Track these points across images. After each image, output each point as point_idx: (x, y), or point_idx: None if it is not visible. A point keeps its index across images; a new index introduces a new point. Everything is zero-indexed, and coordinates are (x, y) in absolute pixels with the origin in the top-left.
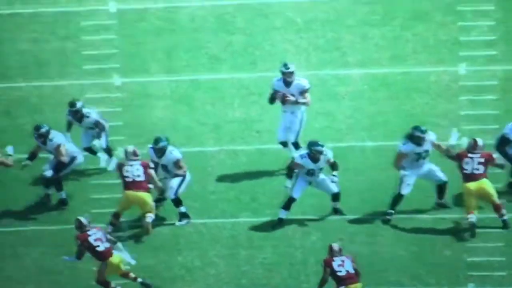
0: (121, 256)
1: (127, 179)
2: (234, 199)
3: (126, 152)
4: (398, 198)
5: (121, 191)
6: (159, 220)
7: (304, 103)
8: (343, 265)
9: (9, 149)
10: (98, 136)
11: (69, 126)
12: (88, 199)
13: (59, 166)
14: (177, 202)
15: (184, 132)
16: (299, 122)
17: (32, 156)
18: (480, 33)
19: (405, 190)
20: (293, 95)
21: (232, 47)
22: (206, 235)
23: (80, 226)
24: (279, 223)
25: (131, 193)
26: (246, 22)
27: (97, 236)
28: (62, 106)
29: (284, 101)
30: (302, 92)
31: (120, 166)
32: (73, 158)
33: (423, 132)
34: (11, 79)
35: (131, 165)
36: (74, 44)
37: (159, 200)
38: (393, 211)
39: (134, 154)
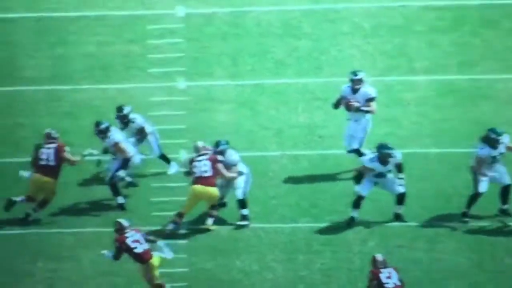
0: (161, 257)
1: (195, 175)
2: (294, 204)
3: (195, 147)
4: (475, 196)
5: (181, 193)
6: (218, 223)
7: (367, 111)
8: (390, 277)
9: (88, 152)
10: (140, 142)
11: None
12: (148, 201)
13: (124, 163)
14: (243, 203)
15: (246, 136)
16: (362, 130)
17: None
18: None
19: (483, 188)
20: (358, 102)
21: (298, 52)
22: (264, 239)
23: (120, 228)
24: (350, 222)
25: (197, 187)
26: (313, 27)
27: (135, 238)
28: None
29: (348, 107)
30: (368, 100)
31: (190, 162)
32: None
33: (499, 134)
34: (75, 82)
35: (199, 161)
36: (139, 47)
37: (220, 205)
38: (468, 211)
39: (203, 149)
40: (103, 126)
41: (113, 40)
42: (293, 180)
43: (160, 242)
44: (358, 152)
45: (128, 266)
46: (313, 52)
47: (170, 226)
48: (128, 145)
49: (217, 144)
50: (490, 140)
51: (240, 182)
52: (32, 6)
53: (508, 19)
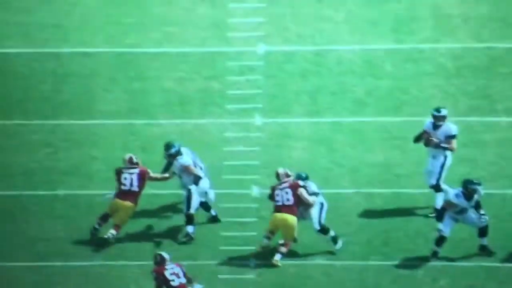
0: None
1: (277, 203)
2: (366, 242)
3: (277, 174)
4: None
5: (251, 228)
6: (288, 257)
7: (446, 148)
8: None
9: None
10: (195, 182)
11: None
12: (218, 236)
13: (195, 180)
14: (324, 231)
15: (321, 173)
16: (440, 165)
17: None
18: None
19: None
20: (438, 139)
21: (378, 91)
22: (333, 277)
23: (161, 261)
24: (433, 256)
25: (278, 215)
26: (395, 67)
27: (174, 271)
28: (201, 143)
29: (427, 142)
30: (448, 137)
31: (272, 189)
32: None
33: None
34: (152, 116)
35: (281, 189)
36: (218, 83)
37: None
38: None
39: (285, 176)
40: (172, 151)
41: (192, 76)
42: (365, 217)
43: (198, 285)
44: (436, 188)
45: None
46: (393, 91)
47: (265, 241)
48: (204, 182)
49: (298, 176)
50: None
51: (313, 213)
52: (113, 41)
53: None
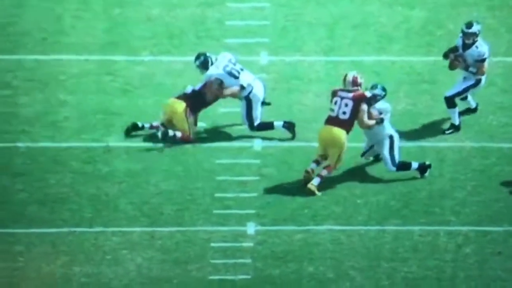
0: None
1: (331, 113)
2: (382, 204)
3: (344, 79)
4: None
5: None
6: (292, 222)
7: (473, 73)
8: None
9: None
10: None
11: None
12: (211, 197)
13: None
14: (404, 167)
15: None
16: (466, 85)
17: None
18: None
19: None
20: (466, 60)
21: (408, 23)
22: (344, 244)
23: None
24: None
25: (324, 129)
26: None
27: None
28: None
29: (451, 64)
30: (477, 61)
31: (333, 94)
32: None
33: None
34: (134, 51)
35: (341, 97)
36: (216, 12)
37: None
38: None
39: (353, 83)
40: (202, 58)
41: (184, 2)
42: (383, 175)
43: None
44: (449, 101)
45: (182, 271)
46: (427, 24)
47: (312, 165)
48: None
49: (374, 86)
50: None
51: (385, 155)
52: None
53: None
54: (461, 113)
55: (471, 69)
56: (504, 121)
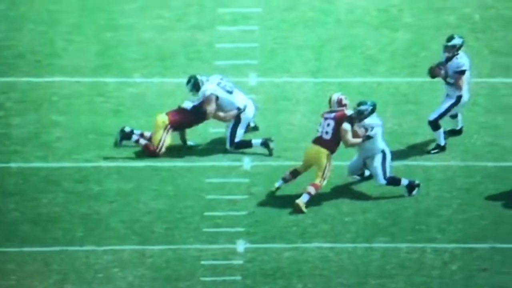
0: None
1: (317, 133)
2: (371, 222)
3: (329, 100)
4: None
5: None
6: (282, 240)
7: (451, 84)
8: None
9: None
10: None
11: None
12: (201, 216)
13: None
14: (394, 182)
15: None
16: (448, 104)
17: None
18: None
19: None
20: (447, 73)
21: (393, 46)
22: (332, 261)
23: None
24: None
25: (309, 146)
26: (414, 17)
27: None
28: None
29: (432, 71)
30: (456, 72)
31: (322, 116)
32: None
33: None
34: (126, 73)
35: (325, 118)
36: (206, 35)
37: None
38: None
39: (337, 104)
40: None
41: (175, 25)
42: (371, 193)
43: None
44: (433, 125)
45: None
46: (411, 46)
47: (280, 184)
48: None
49: (360, 103)
50: None
51: (377, 168)
52: None
53: None
54: (446, 134)
55: (449, 79)
56: (488, 140)
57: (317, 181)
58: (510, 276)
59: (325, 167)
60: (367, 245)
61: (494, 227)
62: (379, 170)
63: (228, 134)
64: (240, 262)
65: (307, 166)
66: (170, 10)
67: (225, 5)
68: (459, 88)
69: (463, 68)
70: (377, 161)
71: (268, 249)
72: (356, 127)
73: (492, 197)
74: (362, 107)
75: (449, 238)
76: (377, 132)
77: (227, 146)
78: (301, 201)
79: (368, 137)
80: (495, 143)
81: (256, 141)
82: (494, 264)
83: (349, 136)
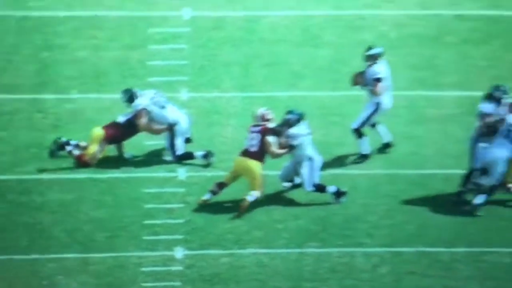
0: None
1: (245, 146)
2: (302, 228)
3: (254, 115)
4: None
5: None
6: (219, 246)
7: (370, 91)
8: None
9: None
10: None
11: None
12: (140, 224)
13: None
14: (320, 189)
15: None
16: (368, 112)
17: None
18: None
19: None
20: (366, 79)
21: (316, 62)
22: (267, 266)
23: None
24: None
25: (238, 159)
26: (335, 35)
27: None
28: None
29: (352, 80)
30: (373, 79)
31: (248, 129)
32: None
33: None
34: (63, 90)
35: (251, 132)
36: (139, 53)
37: (295, 186)
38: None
39: (261, 118)
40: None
41: (108, 45)
42: (302, 201)
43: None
44: (356, 132)
45: None
46: (333, 63)
47: (208, 196)
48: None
49: (288, 112)
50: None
51: (303, 174)
52: (15, 2)
53: None
54: (380, 148)
55: (368, 86)
56: (410, 150)
57: (256, 189)
58: (436, 278)
59: (260, 176)
60: (299, 250)
61: (419, 231)
62: (307, 177)
63: (168, 148)
64: (179, 268)
65: (235, 177)
66: (103, 31)
67: (156, 25)
68: (376, 95)
69: (379, 76)
70: (305, 168)
71: (206, 256)
72: (283, 138)
73: (416, 203)
74: (288, 116)
75: (377, 243)
76: (303, 140)
77: (171, 158)
78: (247, 199)
79: (291, 147)
80: (416, 152)
81: (198, 153)
82: (421, 267)
83: (273, 148)
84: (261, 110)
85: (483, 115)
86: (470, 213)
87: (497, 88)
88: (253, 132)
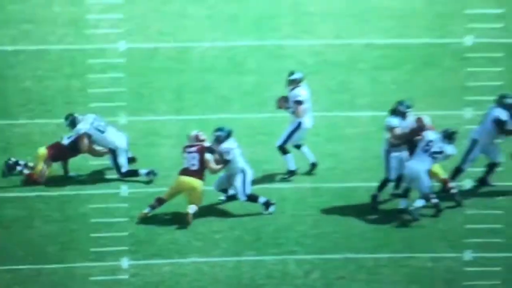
0: None
1: (184, 166)
2: (238, 238)
3: (188, 136)
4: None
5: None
6: (161, 256)
7: (293, 113)
8: None
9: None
10: None
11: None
12: (87, 237)
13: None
14: (252, 199)
15: None
16: (290, 129)
17: None
18: (488, 79)
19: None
20: (289, 102)
21: (243, 87)
22: (207, 274)
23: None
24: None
25: (181, 178)
26: (258, 63)
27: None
28: None
29: (277, 103)
30: (294, 102)
31: (183, 150)
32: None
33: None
34: (13, 116)
35: (188, 152)
36: (80, 82)
37: (230, 198)
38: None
39: (195, 139)
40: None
41: (52, 75)
42: (236, 214)
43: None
44: (281, 149)
45: None
46: (257, 87)
47: (147, 210)
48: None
49: (217, 129)
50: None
51: (237, 183)
52: None
53: (449, 58)
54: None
55: (290, 109)
56: (332, 165)
57: (196, 203)
58: (364, 283)
59: (201, 193)
60: (237, 258)
61: (345, 239)
62: (240, 188)
63: (113, 167)
64: (126, 277)
65: (175, 194)
66: (46, 62)
67: (94, 56)
68: (298, 116)
69: (299, 99)
70: (238, 180)
71: (150, 265)
72: (216, 155)
73: (341, 214)
74: (218, 133)
75: (307, 250)
76: (235, 154)
77: (117, 175)
78: (190, 213)
79: (226, 161)
80: (337, 167)
81: (142, 171)
82: (349, 272)
83: (212, 164)
84: (194, 132)
85: (390, 128)
86: (411, 219)
87: (400, 103)
88: (190, 152)
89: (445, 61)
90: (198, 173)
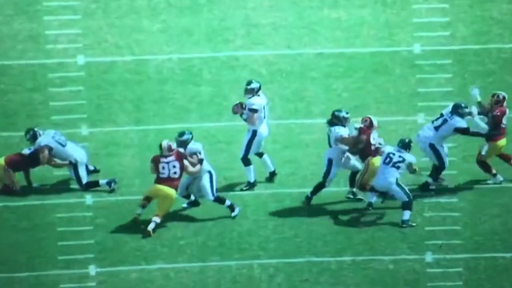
0: None
1: (161, 175)
2: (202, 244)
3: (160, 146)
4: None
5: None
6: (128, 263)
7: (245, 120)
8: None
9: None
10: None
11: None
12: (55, 245)
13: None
14: (219, 200)
15: (152, 179)
16: (246, 140)
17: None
18: (438, 85)
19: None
20: (242, 110)
21: (199, 97)
22: (173, 279)
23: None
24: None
25: (159, 186)
26: (213, 74)
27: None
28: None
29: (233, 109)
30: (249, 110)
31: (155, 161)
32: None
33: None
34: None
35: (166, 162)
36: (41, 95)
37: (193, 204)
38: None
39: (169, 149)
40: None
41: (14, 88)
42: (200, 220)
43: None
44: (243, 161)
45: None
46: (214, 97)
47: (139, 211)
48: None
49: (181, 134)
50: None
51: (205, 186)
52: None
53: (399, 65)
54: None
55: (244, 115)
56: (289, 171)
57: (161, 212)
58: (327, 285)
59: (173, 201)
60: (202, 264)
61: (307, 243)
62: (208, 188)
63: (74, 179)
64: (93, 284)
65: (152, 199)
66: (8, 77)
67: (54, 70)
68: (251, 123)
69: (254, 107)
70: (205, 180)
71: (117, 272)
72: (189, 158)
73: (302, 218)
74: (185, 137)
75: (271, 255)
76: (202, 154)
77: (79, 187)
78: (150, 228)
79: (201, 160)
80: (295, 173)
81: (103, 181)
82: (312, 275)
83: (191, 168)
84: (165, 142)
85: (341, 139)
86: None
87: (338, 111)
88: (168, 162)
89: (395, 69)
90: (178, 180)
